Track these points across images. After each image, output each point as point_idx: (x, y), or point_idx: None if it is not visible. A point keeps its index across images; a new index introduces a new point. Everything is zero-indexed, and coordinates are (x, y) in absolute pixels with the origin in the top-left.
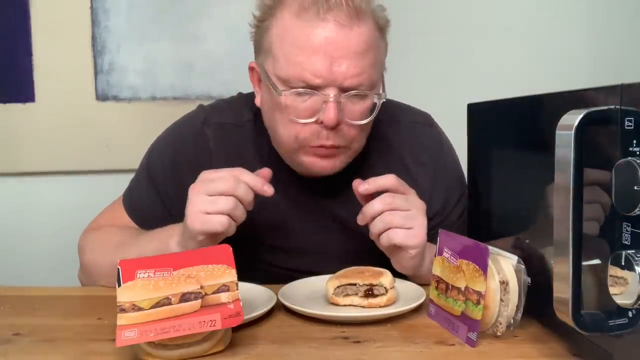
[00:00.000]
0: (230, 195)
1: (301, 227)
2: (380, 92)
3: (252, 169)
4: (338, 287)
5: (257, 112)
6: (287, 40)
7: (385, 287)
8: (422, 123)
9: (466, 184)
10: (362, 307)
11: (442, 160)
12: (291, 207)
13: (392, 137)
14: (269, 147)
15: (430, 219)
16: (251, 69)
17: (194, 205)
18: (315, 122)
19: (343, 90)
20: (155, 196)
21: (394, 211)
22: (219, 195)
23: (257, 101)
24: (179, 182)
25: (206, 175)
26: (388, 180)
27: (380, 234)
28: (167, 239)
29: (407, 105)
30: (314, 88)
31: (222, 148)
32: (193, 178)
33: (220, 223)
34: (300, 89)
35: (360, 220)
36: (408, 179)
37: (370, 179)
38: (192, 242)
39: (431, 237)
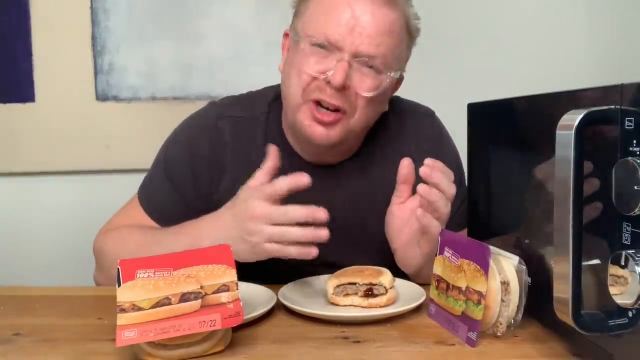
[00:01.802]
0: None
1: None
2: (392, 74)
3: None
4: (338, 286)
5: (270, 104)
6: (321, 3)
7: (385, 287)
8: (424, 114)
9: (465, 174)
10: (362, 307)
11: (442, 149)
12: (298, 192)
13: (396, 126)
14: (281, 138)
15: None
16: (285, 35)
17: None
18: (325, 80)
19: (357, 56)
20: (174, 192)
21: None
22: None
23: (281, 66)
24: (196, 177)
25: (279, 210)
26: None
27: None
28: (199, 240)
29: (410, 100)
30: (332, 45)
31: (236, 140)
32: (209, 171)
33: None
34: (319, 42)
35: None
36: None
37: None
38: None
39: None
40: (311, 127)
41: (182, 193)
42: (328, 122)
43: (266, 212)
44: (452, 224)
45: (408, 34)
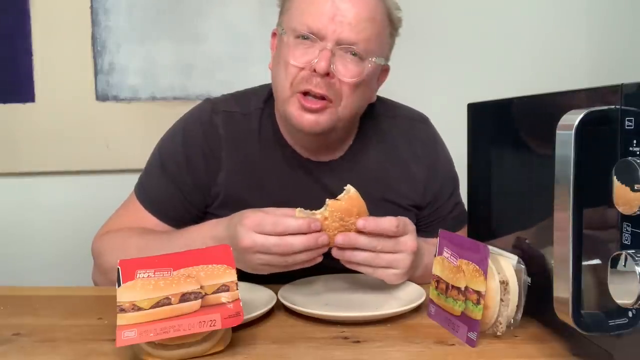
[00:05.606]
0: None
1: (300, 202)
2: (375, 60)
3: (257, 154)
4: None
5: (265, 101)
6: None
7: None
8: (418, 120)
9: (458, 182)
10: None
11: (436, 155)
12: (292, 184)
13: (390, 129)
14: (275, 133)
15: (422, 207)
16: (273, 34)
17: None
18: (310, 69)
19: (340, 43)
20: (171, 185)
21: (380, 254)
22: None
23: (270, 64)
24: (192, 167)
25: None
26: (388, 224)
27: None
28: (204, 238)
29: (405, 105)
30: (315, 35)
31: (230, 134)
32: (205, 162)
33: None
34: (303, 33)
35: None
36: (403, 168)
37: (371, 219)
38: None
39: (424, 227)
40: (300, 116)
41: (179, 185)
42: (315, 109)
43: (257, 244)
44: (444, 228)
45: (390, 22)
